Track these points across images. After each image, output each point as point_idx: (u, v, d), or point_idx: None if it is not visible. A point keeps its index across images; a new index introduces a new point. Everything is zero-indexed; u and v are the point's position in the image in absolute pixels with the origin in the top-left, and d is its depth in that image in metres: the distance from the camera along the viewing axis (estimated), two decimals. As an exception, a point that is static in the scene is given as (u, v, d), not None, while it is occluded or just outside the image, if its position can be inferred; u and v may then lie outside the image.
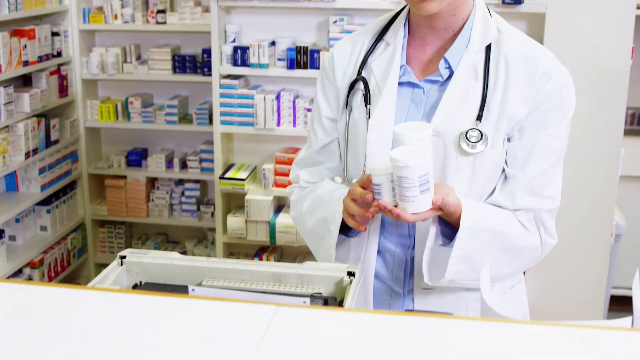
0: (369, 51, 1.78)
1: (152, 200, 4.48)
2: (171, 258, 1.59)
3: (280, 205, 4.00)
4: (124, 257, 1.60)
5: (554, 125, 1.64)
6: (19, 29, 3.92)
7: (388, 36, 1.77)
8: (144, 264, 1.59)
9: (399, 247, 1.73)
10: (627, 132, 3.94)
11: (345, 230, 1.71)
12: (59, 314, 1.06)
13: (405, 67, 1.71)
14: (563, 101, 1.65)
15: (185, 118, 4.34)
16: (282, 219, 3.84)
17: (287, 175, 3.65)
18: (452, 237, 1.60)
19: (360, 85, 1.75)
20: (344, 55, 1.82)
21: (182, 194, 4.44)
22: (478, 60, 1.66)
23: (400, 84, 1.71)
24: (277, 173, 3.87)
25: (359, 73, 1.77)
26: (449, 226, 1.62)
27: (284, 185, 3.80)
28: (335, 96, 1.82)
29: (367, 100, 1.72)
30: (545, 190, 1.66)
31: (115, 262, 1.58)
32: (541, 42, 3.44)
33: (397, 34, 1.74)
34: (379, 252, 1.75)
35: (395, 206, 1.50)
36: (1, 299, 1.10)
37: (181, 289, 1.47)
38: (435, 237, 1.61)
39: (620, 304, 4.21)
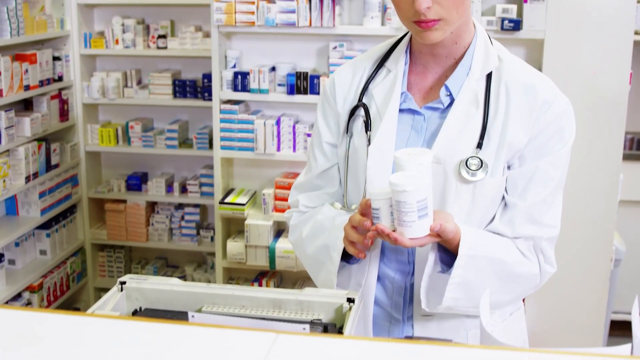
0: (370, 77, 1.79)
1: (152, 224, 4.48)
2: (171, 284, 1.59)
3: (280, 230, 4.00)
4: (124, 282, 1.60)
5: (554, 153, 1.65)
6: (20, 53, 3.94)
7: (389, 63, 1.78)
8: (144, 290, 1.59)
9: (399, 274, 1.73)
10: (626, 157, 3.94)
11: (346, 257, 1.71)
12: (59, 341, 1.06)
13: (406, 94, 1.72)
14: (563, 129, 1.65)
15: (185, 142, 4.36)
16: (282, 244, 3.84)
17: (287, 200, 3.65)
18: (451, 264, 1.60)
19: (361, 111, 1.76)
20: (345, 81, 1.83)
21: (182, 218, 4.45)
22: (479, 88, 1.67)
23: (401, 110, 1.71)
24: (277, 198, 3.88)
25: (360, 99, 1.77)
26: (448, 253, 1.62)
27: (284, 210, 3.78)
28: (336, 122, 1.82)
29: (367, 126, 1.73)
30: (545, 218, 1.66)
31: (115, 288, 1.58)
32: (540, 68, 3.47)
33: (399, 61, 1.75)
34: (378, 278, 1.75)
35: (394, 231, 1.50)
36: (1, 325, 1.10)
37: (181, 315, 1.47)
38: (433, 263, 1.61)
39: (620, 329, 4.20)
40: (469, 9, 1.65)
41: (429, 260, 1.60)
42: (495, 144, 1.63)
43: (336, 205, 1.80)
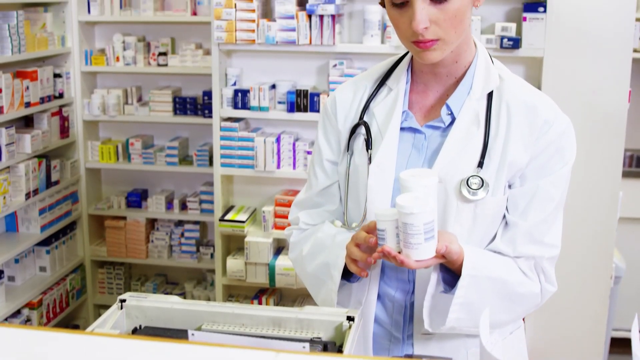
0: (371, 96, 1.80)
1: (152, 241, 4.48)
2: (171, 302, 1.59)
3: (279, 248, 3.99)
4: (124, 300, 1.60)
5: (555, 172, 1.65)
6: (21, 70, 3.96)
7: (390, 81, 1.79)
8: (143, 308, 1.59)
9: (399, 292, 1.73)
10: (626, 174, 3.96)
11: (346, 275, 1.71)
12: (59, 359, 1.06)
13: (407, 113, 1.73)
14: (563, 149, 1.66)
15: (185, 159, 4.36)
16: (282, 262, 3.84)
17: (287, 217, 3.65)
18: (453, 284, 1.60)
19: (362, 129, 1.76)
20: (346, 99, 1.83)
21: (182, 235, 4.45)
22: (480, 107, 1.67)
23: (402, 129, 1.72)
24: (277, 215, 3.88)
25: (361, 117, 1.78)
26: (449, 272, 1.62)
27: (284, 228, 3.79)
28: (337, 139, 1.83)
29: (368, 144, 1.73)
30: (546, 238, 1.66)
31: (115, 306, 1.59)
32: (539, 86, 3.48)
33: (400, 80, 1.76)
34: (378, 296, 1.75)
35: (399, 252, 1.50)
36: (0, 344, 1.10)
37: (181, 334, 1.48)
38: (436, 284, 1.61)
39: (620, 346, 4.20)
40: (469, 28, 1.65)
41: (431, 280, 1.60)
42: (496, 163, 1.63)
43: (336, 223, 1.80)
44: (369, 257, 1.57)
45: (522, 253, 1.65)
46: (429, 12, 1.53)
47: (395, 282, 1.73)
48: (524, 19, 3.51)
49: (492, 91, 1.69)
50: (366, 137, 1.74)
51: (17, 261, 4.07)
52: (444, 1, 1.53)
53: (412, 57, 1.78)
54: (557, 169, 1.65)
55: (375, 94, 1.79)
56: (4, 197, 3.76)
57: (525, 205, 1.65)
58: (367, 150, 1.73)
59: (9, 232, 4.16)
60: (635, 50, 3.97)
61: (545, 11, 3.48)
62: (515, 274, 1.65)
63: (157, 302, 1.59)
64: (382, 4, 1.67)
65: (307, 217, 1.88)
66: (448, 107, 1.69)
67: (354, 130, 1.78)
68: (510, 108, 1.66)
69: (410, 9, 1.54)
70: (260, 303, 3.99)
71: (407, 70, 1.77)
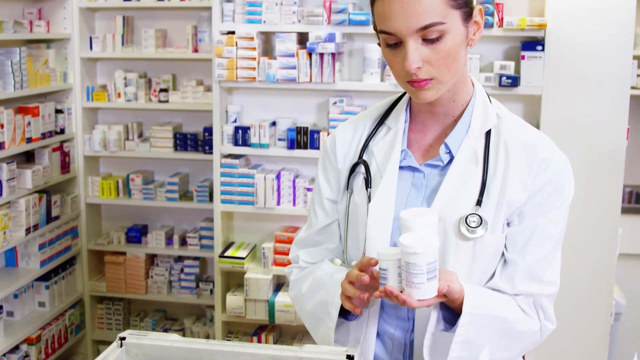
0: (370, 135, 1.81)
1: (151, 276, 4.48)
2: (171, 340, 1.59)
3: (279, 284, 3.99)
4: (124, 338, 1.60)
5: (553, 210, 1.66)
6: (23, 106, 3.98)
7: (389, 120, 1.80)
8: (143, 346, 1.59)
9: (398, 330, 1.73)
10: (625, 210, 3.97)
11: (344, 313, 1.71)
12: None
13: (406, 152, 1.74)
14: (562, 187, 1.67)
15: (185, 195, 4.37)
16: (282, 298, 3.83)
17: (287, 254, 3.66)
18: (452, 322, 1.60)
19: (361, 168, 1.77)
20: (345, 138, 1.85)
21: (182, 270, 4.44)
22: (478, 145, 1.68)
23: (401, 168, 1.73)
24: (276, 252, 3.88)
25: (360, 156, 1.79)
26: (449, 310, 1.62)
27: (284, 264, 3.80)
28: (337, 178, 1.84)
29: (367, 183, 1.74)
30: (545, 276, 1.67)
31: (115, 344, 1.58)
32: (538, 123, 3.51)
33: (399, 119, 1.77)
34: (378, 334, 1.75)
35: (401, 291, 1.50)
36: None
37: (181, 373, 1.48)
38: (436, 322, 1.61)
39: (621, 384, 4.17)
40: (464, 67, 1.67)
41: (431, 318, 1.59)
42: (494, 201, 1.64)
43: (336, 262, 1.80)
44: (362, 294, 1.57)
45: (521, 291, 1.66)
46: (422, 52, 1.55)
47: (394, 320, 1.73)
48: (523, 57, 3.55)
49: (490, 130, 1.70)
50: (365, 175, 1.75)
51: (16, 296, 4.06)
52: (436, 41, 1.54)
53: (410, 97, 1.79)
54: (555, 206, 1.66)
55: (374, 133, 1.81)
56: (4, 232, 3.76)
57: (524, 243, 1.66)
58: (367, 189, 1.74)
59: (8, 267, 4.15)
60: (633, 88, 4.00)
61: (543, 49, 3.52)
62: (515, 312, 1.65)
63: (157, 340, 1.59)
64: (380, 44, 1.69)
65: (307, 256, 1.89)
66: (446, 146, 1.70)
67: (353, 169, 1.79)
68: (508, 146, 1.67)
69: (403, 49, 1.56)
70: (259, 340, 3.98)
71: (406, 109, 1.78)
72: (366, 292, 1.58)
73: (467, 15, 1.59)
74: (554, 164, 1.67)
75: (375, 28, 1.69)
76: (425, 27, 1.52)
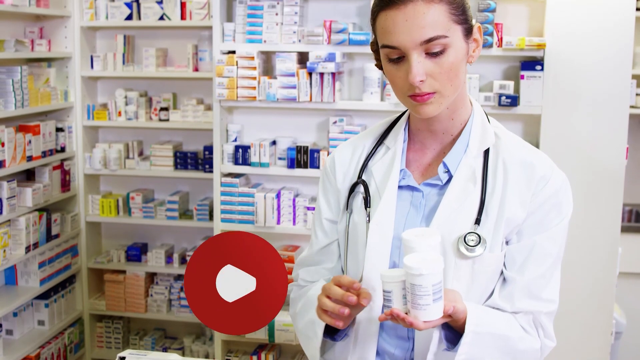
0: (369, 155, 1.82)
1: (151, 295, 4.47)
2: (170, 359, 1.59)
3: (279, 302, 3.98)
4: (124, 358, 1.60)
5: (552, 228, 1.66)
6: (24, 124, 4.00)
7: (388, 140, 1.81)
8: (143, 367, 1.59)
9: (398, 350, 1.73)
10: (625, 229, 3.97)
11: (333, 332, 1.71)
12: None
13: (405, 171, 1.74)
14: (560, 204, 1.67)
15: (185, 214, 4.38)
16: (282, 317, 3.82)
17: (287, 273, 3.65)
18: (453, 340, 1.60)
19: (361, 188, 1.78)
20: (344, 158, 1.86)
21: (181, 289, 4.44)
22: (476, 164, 1.69)
23: (400, 187, 1.73)
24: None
25: (360, 176, 1.80)
26: (449, 329, 1.62)
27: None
28: (336, 198, 1.85)
29: (367, 203, 1.75)
30: (544, 293, 1.67)
31: (115, 364, 1.59)
32: (537, 143, 3.51)
33: (397, 138, 1.78)
34: (377, 354, 1.74)
35: (407, 313, 1.50)
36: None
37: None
38: (438, 342, 1.60)
39: (622, 404, 4.16)
40: (465, 85, 1.68)
41: (434, 338, 1.59)
42: (493, 220, 1.65)
43: None
44: (341, 309, 1.56)
45: (520, 308, 1.66)
46: (425, 66, 1.56)
47: (394, 339, 1.73)
48: (522, 77, 3.56)
49: (488, 148, 1.71)
50: (365, 195, 1.76)
51: (15, 315, 4.06)
52: (439, 54, 1.56)
53: (409, 116, 1.80)
54: (554, 224, 1.66)
55: (373, 153, 1.82)
56: (4, 251, 3.76)
57: (523, 261, 1.66)
58: (366, 209, 1.74)
59: (8, 285, 4.15)
60: (632, 107, 4.01)
61: (542, 69, 3.53)
62: (516, 330, 1.65)
63: (156, 361, 1.59)
64: (378, 66, 1.70)
65: (306, 274, 1.90)
66: (445, 165, 1.71)
67: (353, 189, 1.80)
68: (506, 165, 1.68)
69: (406, 63, 1.57)
70: (259, 359, 3.97)
71: (405, 128, 1.79)
72: (345, 307, 1.57)
73: (468, 32, 1.62)
74: (553, 181, 1.67)
75: (373, 47, 1.70)
76: (429, 40, 1.54)
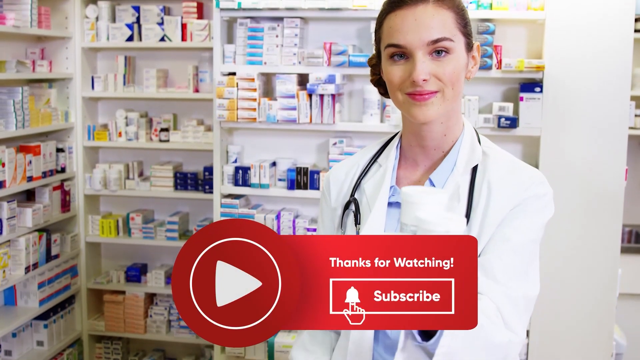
0: (362, 173, 1.84)
1: (150, 316, 4.47)
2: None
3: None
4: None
5: (519, 222, 1.64)
6: (24, 145, 4.01)
7: (381, 158, 1.83)
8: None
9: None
10: (625, 250, 3.97)
11: None
12: None
13: (395, 188, 1.76)
14: (538, 210, 1.64)
15: (185, 234, 4.38)
16: (281, 339, 3.82)
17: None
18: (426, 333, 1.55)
19: (352, 205, 1.80)
20: (339, 177, 1.88)
21: (181, 310, 4.42)
22: (463, 181, 1.69)
23: (389, 204, 1.74)
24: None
25: (352, 194, 1.82)
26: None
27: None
28: (331, 217, 1.87)
29: (357, 220, 1.76)
30: (499, 275, 1.60)
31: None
32: (536, 164, 3.52)
33: (389, 156, 1.80)
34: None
35: None
36: None
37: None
38: (405, 338, 1.55)
39: None
40: (460, 102, 1.70)
41: (401, 335, 1.54)
42: (476, 235, 1.64)
43: None
44: None
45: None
46: (429, 66, 1.58)
47: (390, 356, 1.72)
48: (521, 98, 3.58)
49: (476, 166, 1.71)
50: (355, 212, 1.77)
51: (14, 335, 4.05)
52: (443, 57, 1.58)
53: (401, 136, 1.81)
54: (523, 220, 1.64)
55: (366, 171, 1.84)
56: (4, 271, 3.77)
57: (483, 247, 1.64)
58: (356, 225, 1.76)
59: (7, 305, 4.15)
60: (631, 128, 4.02)
61: (541, 91, 3.54)
62: (488, 321, 1.60)
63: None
64: (374, 81, 1.73)
65: None
66: (431, 182, 1.72)
67: (346, 207, 1.82)
68: (491, 182, 1.68)
69: (409, 62, 1.59)
70: (258, 380, 3.96)
71: (397, 146, 1.81)
72: None
73: (469, 46, 1.65)
74: (541, 187, 1.66)
75: (371, 62, 1.72)
76: (436, 41, 1.57)
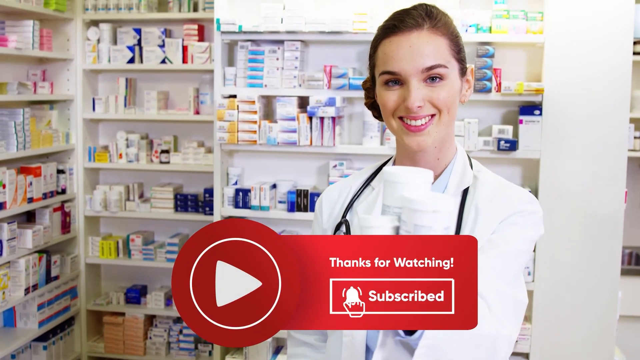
0: (355, 195, 1.84)
1: (150, 337, 4.46)
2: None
3: (279, 347, 3.97)
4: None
5: (506, 231, 1.62)
6: (25, 166, 4.02)
7: (375, 181, 1.83)
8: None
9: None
10: (625, 272, 3.97)
11: None
12: None
13: None
14: (532, 225, 1.64)
15: (185, 256, 4.37)
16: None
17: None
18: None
19: (343, 227, 1.80)
20: (331, 198, 1.88)
21: (180, 332, 4.42)
22: (451, 203, 1.70)
23: None
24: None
25: (344, 215, 1.82)
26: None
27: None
28: None
29: None
30: (487, 275, 1.53)
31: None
32: (536, 186, 3.53)
33: (382, 179, 1.80)
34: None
35: None
36: None
37: None
38: (384, 334, 1.52)
39: None
40: (453, 126, 1.70)
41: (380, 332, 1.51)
42: None
43: None
44: None
45: None
46: (423, 92, 1.59)
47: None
48: (520, 121, 3.58)
49: (467, 189, 1.72)
50: (346, 233, 1.77)
51: (13, 357, 4.04)
52: (437, 83, 1.58)
53: (395, 158, 1.82)
54: (511, 231, 1.62)
55: (359, 194, 1.84)
56: (3, 292, 3.76)
57: None
58: None
59: (6, 327, 4.14)
60: (630, 150, 4.03)
61: (541, 114, 3.55)
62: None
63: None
64: (368, 104, 1.74)
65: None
66: None
67: (338, 228, 1.82)
68: (478, 205, 1.68)
69: (403, 88, 1.59)
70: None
71: None
72: None
73: (463, 71, 1.65)
74: (529, 205, 1.65)
75: (365, 85, 1.73)
76: (430, 68, 1.57)
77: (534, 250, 3.55)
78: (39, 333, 4.12)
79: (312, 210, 3.76)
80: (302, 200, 3.77)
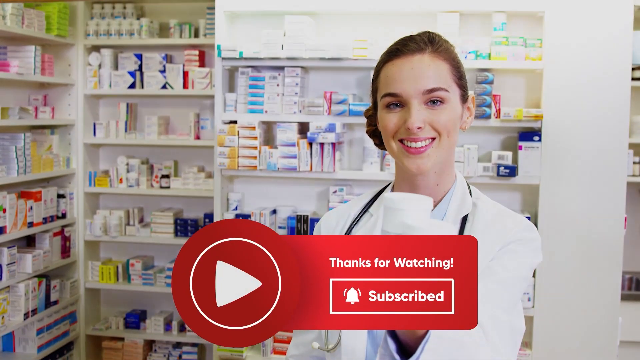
0: (354, 221, 1.83)
1: (149, 362, 4.45)
2: None
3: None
4: None
5: (504, 258, 1.63)
6: (26, 191, 4.02)
7: (373, 208, 1.83)
8: None
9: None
10: (625, 297, 3.96)
11: None
12: None
13: None
14: (527, 253, 1.64)
15: (185, 281, 4.36)
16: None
17: (287, 342, 3.64)
18: (405, 352, 1.52)
19: None
20: (329, 223, 1.87)
21: (180, 357, 4.41)
22: (452, 231, 1.70)
23: None
24: (275, 340, 3.86)
25: None
26: (397, 340, 1.55)
27: (283, 353, 3.78)
28: None
29: None
30: (484, 301, 1.51)
31: None
32: (536, 212, 3.53)
33: (380, 206, 1.80)
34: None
35: None
36: None
37: None
38: (381, 355, 1.52)
39: None
40: (454, 152, 1.71)
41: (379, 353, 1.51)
42: None
43: (314, 345, 1.80)
44: None
45: None
46: (423, 114, 1.59)
47: None
48: (520, 147, 3.59)
49: (466, 216, 1.72)
50: None
51: (12, 383, 4.03)
52: (438, 107, 1.59)
53: (394, 184, 1.82)
54: (510, 258, 1.62)
55: (358, 220, 1.83)
56: (3, 317, 3.75)
57: None
58: None
59: (5, 352, 4.13)
60: (630, 176, 4.04)
61: (540, 140, 3.57)
62: (470, 337, 1.58)
63: None
64: (369, 132, 1.74)
65: (294, 349, 1.90)
66: None
67: None
68: (477, 233, 1.68)
69: (404, 111, 1.60)
70: None
71: None
72: None
73: (464, 98, 1.66)
74: (527, 232, 1.65)
75: (367, 113, 1.74)
76: (431, 90, 1.58)
77: (534, 276, 3.55)
78: (37, 358, 4.10)
79: (312, 235, 3.76)
80: (302, 226, 3.77)
